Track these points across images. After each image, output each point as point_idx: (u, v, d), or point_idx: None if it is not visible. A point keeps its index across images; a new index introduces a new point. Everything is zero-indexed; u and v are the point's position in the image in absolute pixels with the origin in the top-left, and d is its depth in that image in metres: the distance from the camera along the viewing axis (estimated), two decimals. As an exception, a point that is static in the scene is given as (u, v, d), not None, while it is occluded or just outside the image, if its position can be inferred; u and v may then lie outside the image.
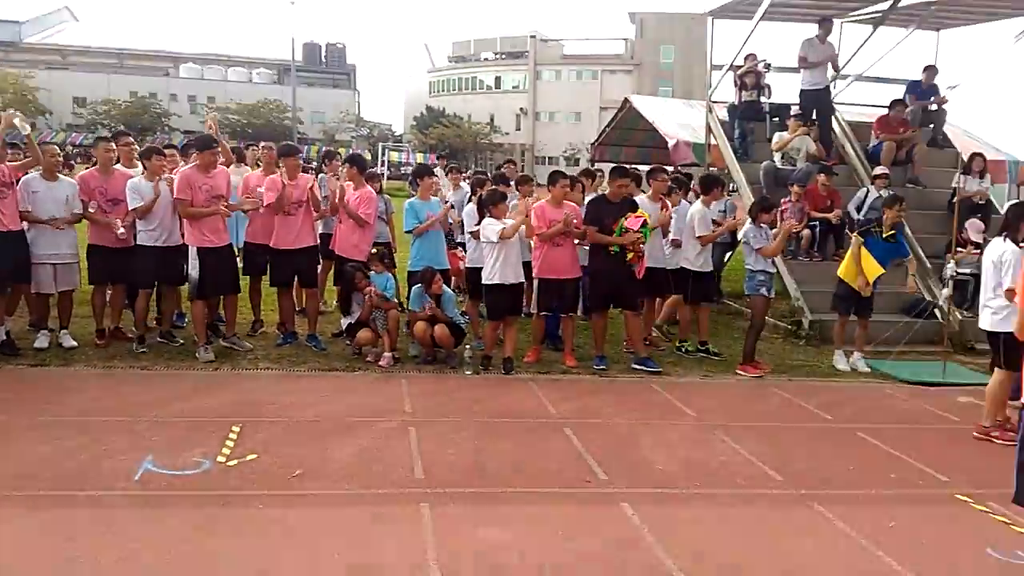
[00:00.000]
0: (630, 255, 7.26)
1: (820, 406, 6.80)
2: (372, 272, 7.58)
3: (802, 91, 11.73)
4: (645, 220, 7.19)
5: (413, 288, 7.60)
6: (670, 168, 11.06)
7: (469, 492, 4.58)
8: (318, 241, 8.04)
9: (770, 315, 9.86)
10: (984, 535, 4.37)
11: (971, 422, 6.40)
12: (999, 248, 6.19)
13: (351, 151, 31.75)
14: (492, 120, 79.78)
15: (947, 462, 5.57)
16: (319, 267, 8.40)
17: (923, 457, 5.61)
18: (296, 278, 7.98)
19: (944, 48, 13.06)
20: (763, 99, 12.08)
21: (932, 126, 12.23)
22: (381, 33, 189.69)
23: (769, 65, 11.95)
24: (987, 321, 6.23)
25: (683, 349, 8.43)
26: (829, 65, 11.55)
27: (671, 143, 13.09)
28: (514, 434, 5.63)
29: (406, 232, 8.08)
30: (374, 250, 8.01)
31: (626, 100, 15.45)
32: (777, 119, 11.91)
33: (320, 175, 9.09)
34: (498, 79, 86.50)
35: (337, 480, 4.66)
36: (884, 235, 7.96)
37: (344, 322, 7.64)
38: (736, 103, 11.95)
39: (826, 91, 11.66)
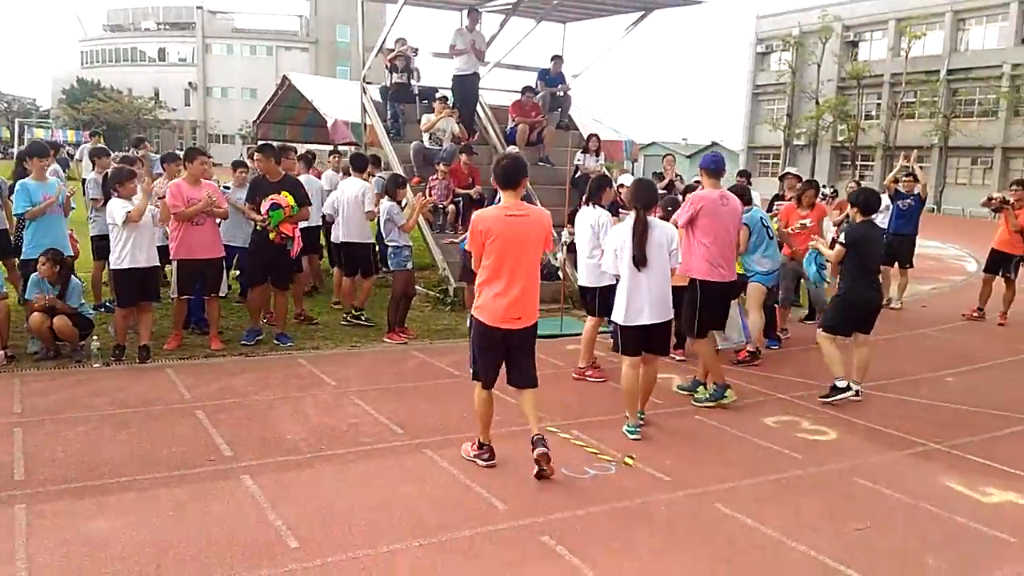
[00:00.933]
0: (271, 234, 7.36)
1: (451, 364, 7.44)
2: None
3: (453, 76, 12.52)
4: (276, 203, 7.29)
5: (31, 276, 6.98)
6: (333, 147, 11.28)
7: (74, 487, 4.41)
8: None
9: (421, 284, 10.50)
10: (561, 457, 5.14)
11: (570, 366, 7.47)
12: (593, 214, 7.22)
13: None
14: (157, 95, 73.80)
15: (549, 400, 6.43)
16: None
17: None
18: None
19: (570, 39, 14.66)
20: (413, 82, 12.67)
21: (560, 110, 13.67)
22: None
23: (417, 50, 12.55)
24: (585, 277, 7.25)
25: (346, 320, 8.82)
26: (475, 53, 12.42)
27: (329, 122, 13.25)
28: (138, 423, 5.47)
29: (16, 215, 7.40)
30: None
31: (285, 78, 15.30)
32: (427, 101, 12.56)
33: None
34: (162, 51, 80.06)
35: (-84, 494, 4.24)
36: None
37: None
38: (388, 85, 12.39)
39: (474, 77, 12.53)
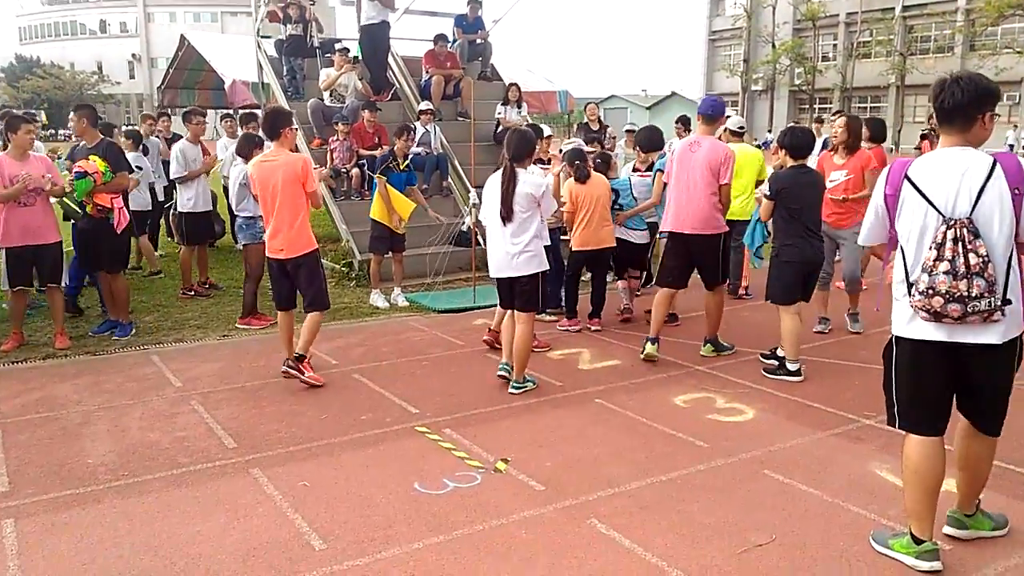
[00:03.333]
0: (88, 207, 6.39)
1: (331, 351, 6.53)
2: None
3: (360, 27, 11.41)
4: (83, 171, 6.26)
5: None
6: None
7: None
8: None
9: (328, 258, 9.54)
10: (422, 467, 4.28)
11: (473, 345, 6.59)
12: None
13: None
14: (100, 68, 70.97)
15: (430, 388, 5.56)
16: None
17: (404, 391, 5.54)
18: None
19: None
20: (316, 34, 11.52)
21: (480, 60, 12.61)
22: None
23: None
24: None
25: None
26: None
27: (227, 83, 12.11)
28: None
29: None
30: None
31: (182, 37, 14.05)
32: (329, 55, 11.43)
33: None
34: (103, 22, 76.90)
35: None
36: (401, 167, 7.94)
37: None
38: (283, 38, 11.24)
39: (383, 26, 11.38)
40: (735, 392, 5.53)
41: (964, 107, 3.03)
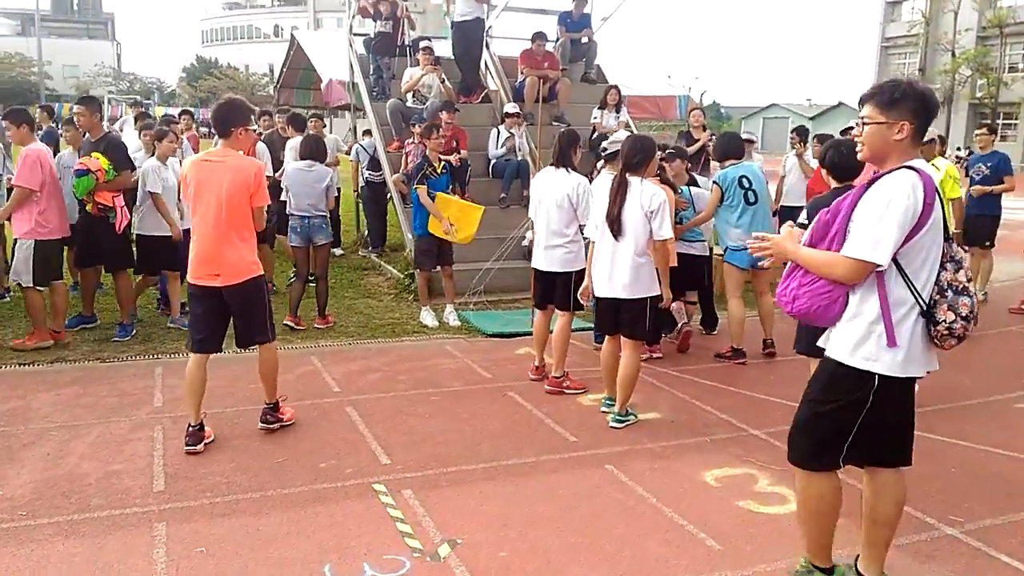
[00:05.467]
0: (88, 205, 6.07)
1: (343, 375, 5.89)
2: None
3: (452, 23, 10.84)
4: (85, 168, 5.96)
5: None
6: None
7: None
8: None
9: (396, 268, 9.03)
10: (346, 544, 3.50)
11: (500, 380, 5.86)
12: (568, 182, 5.51)
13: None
14: (271, 70, 75.13)
15: (412, 437, 4.77)
16: None
17: (389, 433, 4.78)
18: None
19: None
20: (411, 32, 11.04)
21: (584, 60, 11.70)
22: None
23: (409, -6, 10.89)
24: (556, 261, 5.62)
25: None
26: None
27: (324, 83, 11.87)
28: None
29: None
30: None
31: (292, 36, 13.99)
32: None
33: None
34: (277, 27, 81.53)
35: None
36: (439, 171, 7.21)
37: None
38: (372, 36, 10.80)
39: (476, 22, 10.74)
40: (785, 472, 4.37)
41: None
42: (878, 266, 2.65)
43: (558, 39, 11.45)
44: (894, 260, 2.67)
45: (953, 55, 43.59)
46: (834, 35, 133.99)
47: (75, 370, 5.96)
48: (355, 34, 11.17)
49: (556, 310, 5.76)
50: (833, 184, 4.63)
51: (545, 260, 5.67)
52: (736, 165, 6.54)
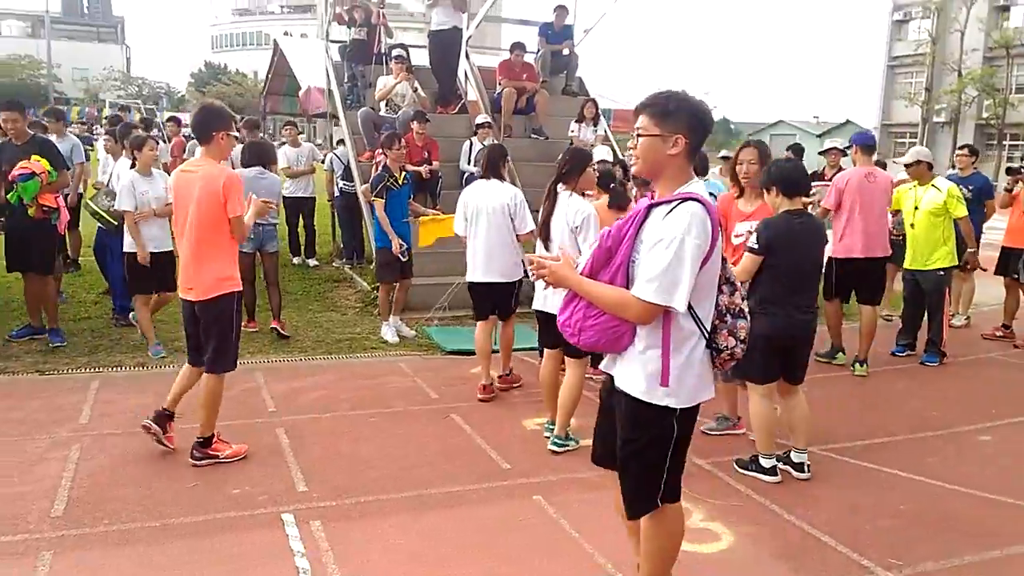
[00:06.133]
0: (31, 210, 5.92)
1: (282, 394, 5.69)
2: None
3: (429, 32, 10.71)
4: (29, 171, 5.77)
5: None
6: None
7: None
8: None
9: (367, 281, 8.86)
10: (231, 580, 3.30)
11: (448, 401, 5.72)
12: (505, 192, 5.36)
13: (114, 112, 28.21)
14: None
15: (338, 462, 4.56)
16: None
17: (315, 458, 4.57)
18: None
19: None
20: (387, 39, 10.88)
21: (566, 73, 11.53)
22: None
23: (384, 1, 10.74)
24: (496, 271, 5.56)
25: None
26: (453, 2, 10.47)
27: (303, 90, 11.74)
28: None
29: None
30: None
31: (275, 43, 13.88)
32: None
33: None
34: (286, 33, 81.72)
35: None
36: (400, 182, 7.04)
37: None
38: (347, 42, 10.65)
39: (454, 32, 10.59)
40: (722, 505, 4.16)
41: None
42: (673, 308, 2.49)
43: (539, 51, 11.28)
44: None
45: (959, 75, 43.31)
46: (841, 53, 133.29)
47: (13, 383, 5.79)
48: (333, 41, 11.01)
49: (499, 319, 5.70)
50: (785, 206, 4.40)
51: (484, 272, 5.52)
52: (705, 182, 6.40)
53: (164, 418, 4.53)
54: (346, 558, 3.50)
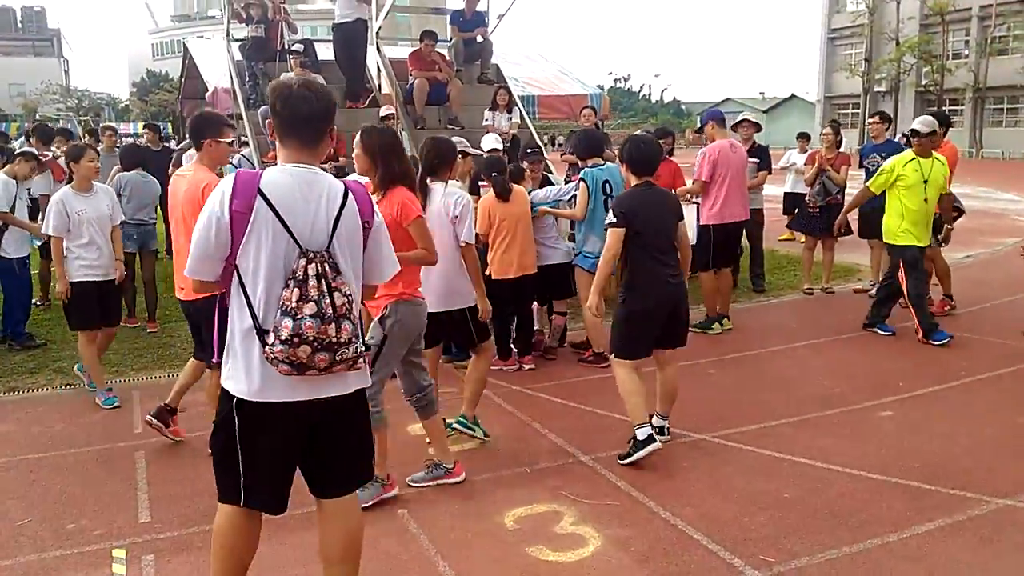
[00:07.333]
0: None
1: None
2: None
3: (333, 25, 10.35)
4: None
5: None
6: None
7: None
8: None
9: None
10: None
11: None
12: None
13: (61, 125, 26.98)
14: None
15: (197, 487, 4.24)
16: None
17: (174, 483, 4.26)
18: None
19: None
20: (290, 35, 10.50)
21: (480, 61, 11.22)
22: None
23: (285, -3, 10.36)
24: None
25: None
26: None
27: (210, 91, 11.31)
28: None
29: None
30: None
31: (185, 46, 13.40)
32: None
33: None
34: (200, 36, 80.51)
35: None
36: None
37: None
38: (246, 40, 10.26)
39: (358, 24, 10.22)
40: (596, 506, 3.92)
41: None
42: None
43: (451, 39, 10.97)
44: (236, 272, 2.50)
45: (897, 44, 43.85)
46: (784, 28, 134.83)
47: None
48: (235, 40, 10.60)
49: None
50: (632, 180, 4.26)
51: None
52: (601, 167, 6.23)
53: (166, 413, 4.76)
54: (170, 596, 3.20)
